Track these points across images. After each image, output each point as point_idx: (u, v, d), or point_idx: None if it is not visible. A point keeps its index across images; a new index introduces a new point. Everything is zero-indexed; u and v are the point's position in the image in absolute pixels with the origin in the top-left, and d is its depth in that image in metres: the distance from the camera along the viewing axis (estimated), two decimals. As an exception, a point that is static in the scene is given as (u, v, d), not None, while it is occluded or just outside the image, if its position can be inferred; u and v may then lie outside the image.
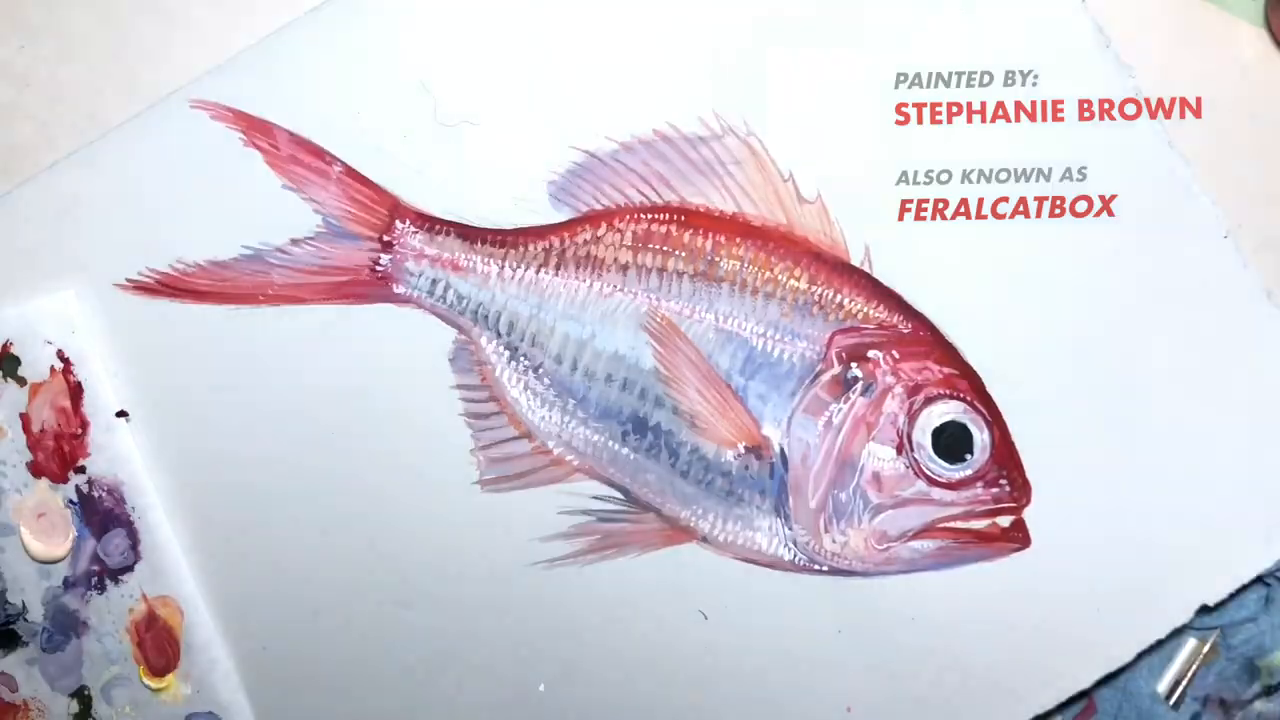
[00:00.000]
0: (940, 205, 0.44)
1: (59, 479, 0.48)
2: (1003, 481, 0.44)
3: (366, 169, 0.45)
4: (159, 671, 0.48)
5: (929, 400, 0.43)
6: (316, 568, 0.47)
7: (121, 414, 0.47)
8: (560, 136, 0.45)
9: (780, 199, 0.44)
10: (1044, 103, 0.43)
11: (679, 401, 0.45)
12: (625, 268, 0.45)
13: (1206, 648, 0.47)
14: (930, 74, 0.44)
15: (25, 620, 0.49)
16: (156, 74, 0.47)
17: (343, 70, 0.45)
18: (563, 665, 0.47)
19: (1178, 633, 0.45)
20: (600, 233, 0.45)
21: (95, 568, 0.48)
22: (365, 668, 0.48)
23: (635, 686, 0.47)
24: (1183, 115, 0.45)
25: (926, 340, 0.44)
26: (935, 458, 0.43)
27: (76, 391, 0.47)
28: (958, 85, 0.44)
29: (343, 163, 0.45)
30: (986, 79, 0.44)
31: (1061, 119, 0.43)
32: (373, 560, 0.47)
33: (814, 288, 0.44)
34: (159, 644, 0.48)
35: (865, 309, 0.44)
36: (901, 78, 0.44)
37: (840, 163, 0.44)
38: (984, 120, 0.44)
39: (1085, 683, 0.45)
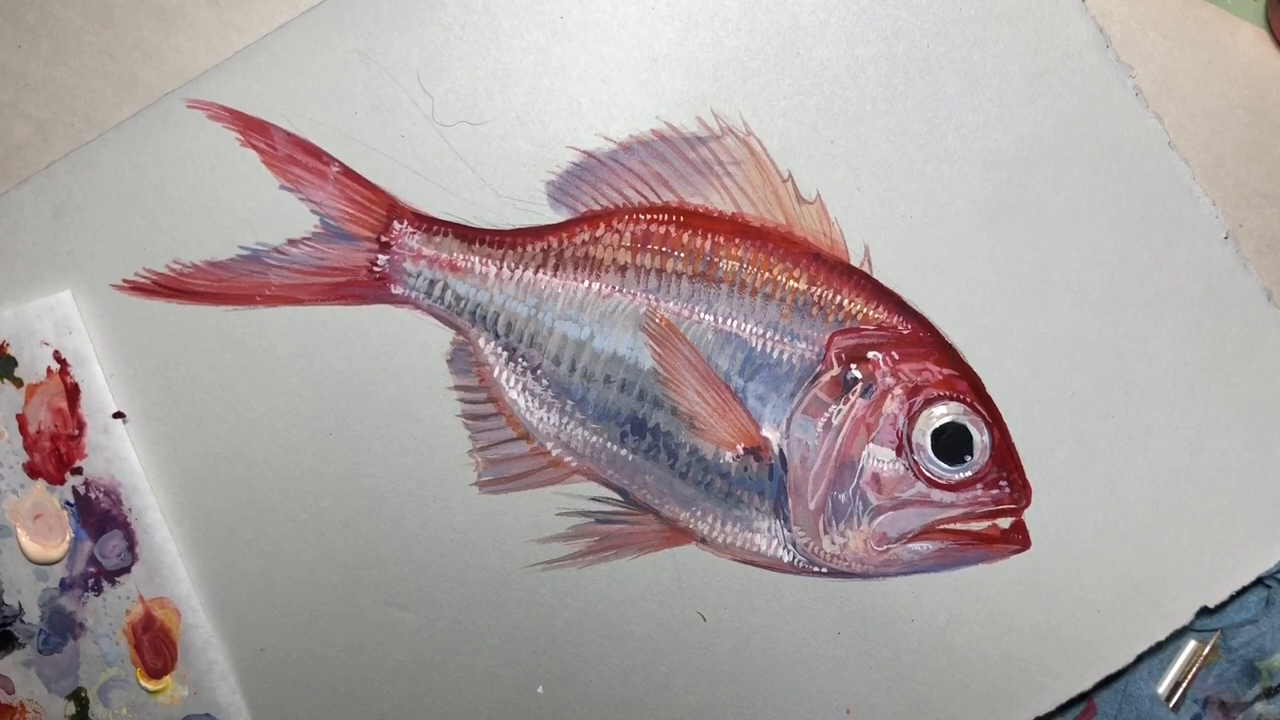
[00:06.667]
0: (940, 205, 0.44)
1: (56, 480, 0.48)
2: (1003, 483, 0.44)
3: (364, 169, 0.45)
4: (156, 673, 0.48)
5: (929, 401, 0.43)
6: (314, 569, 0.47)
7: (119, 415, 0.47)
8: (558, 137, 0.45)
9: (779, 199, 0.44)
10: (1044, 102, 0.43)
11: (678, 403, 0.45)
12: (624, 268, 0.45)
13: (1207, 649, 0.47)
14: (930, 73, 0.43)
15: (22, 622, 0.49)
16: (153, 74, 0.47)
17: (340, 70, 0.45)
18: (561, 667, 0.47)
19: (1178, 634, 0.45)
20: (599, 233, 0.45)
21: (92, 569, 0.48)
22: (363, 669, 0.48)
23: (633, 688, 0.47)
24: (1183, 115, 0.45)
25: (926, 341, 0.44)
26: (935, 459, 0.43)
27: (73, 392, 0.47)
28: (957, 85, 0.44)
29: (340, 163, 0.45)
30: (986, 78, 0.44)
31: (1062, 118, 0.43)
32: (370, 562, 0.47)
33: (813, 288, 0.44)
34: (156, 646, 0.48)
35: (865, 310, 0.44)
36: (901, 77, 0.44)
37: (840, 162, 0.44)
38: (984, 120, 0.44)
39: (1085, 685, 0.45)
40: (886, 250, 0.44)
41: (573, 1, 0.44)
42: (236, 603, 0.48)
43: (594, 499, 0.46)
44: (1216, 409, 0.44)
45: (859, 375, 0.44)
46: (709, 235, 0.44)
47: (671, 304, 0.44)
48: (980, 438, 0.43)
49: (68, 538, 0.48)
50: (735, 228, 0.44)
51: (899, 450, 0.44)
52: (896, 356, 0.44)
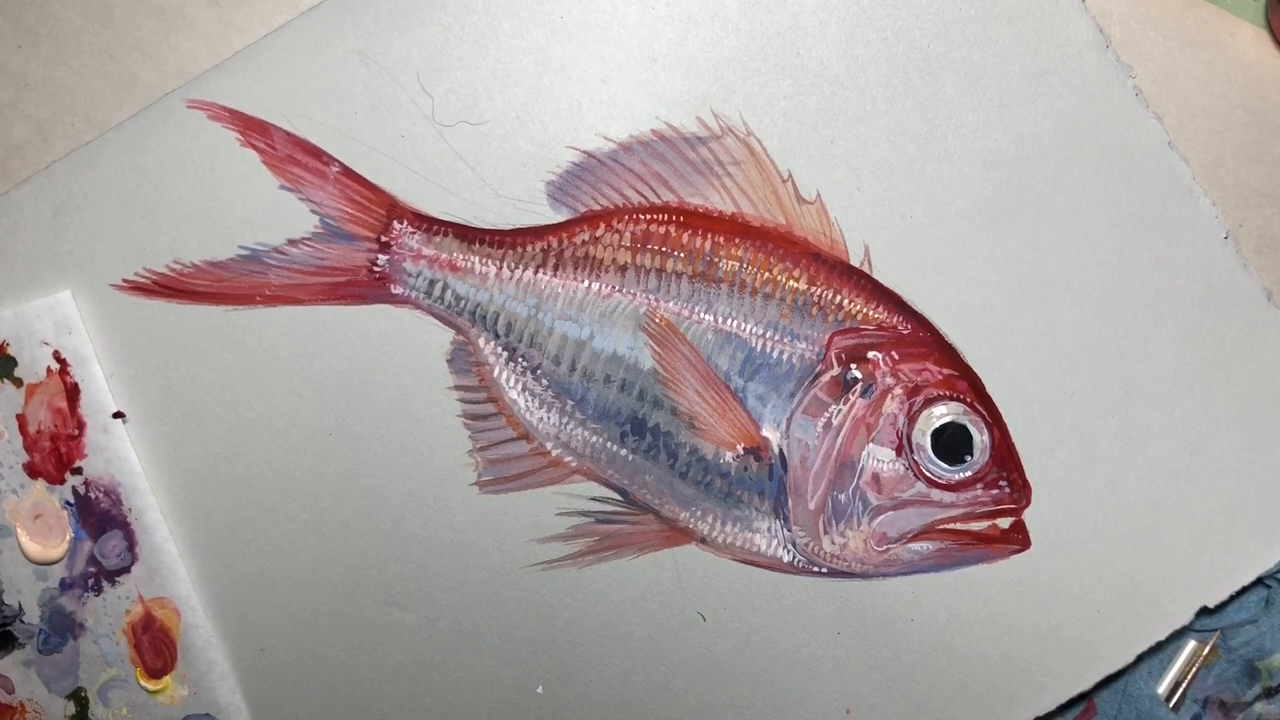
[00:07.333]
0: (940, 205, 0.44)
1: (55, 480, 0.48)
2: (1002, 483, 0.44)
3: (364, 169, 0.45)
4: (156, 673, 0.48)
5: (928, 401, 0.43)
6: (314, 569, 0.47)
7: (118, 415, 0.47)
8: (558, 137, 0.45)
9: (779, 199, 0.44)
10: (1044, 102, 0.43)
11: (678, 403, 0.45)
12: (624, 268, 0.45)
13: (1207, 649, 0.47)
14: (930, 73, 0.43)
15: (22, 622, 0.49)
16: (153, 74, 0.47)
17: (340, 70, 0.45)
18: (561, 667, 0.47)
19: (1178, 634, 0.45)
20: (599, 233, 0.45)
21: (92, 569, 0.48)
22: (363, 669, 0.48)
23: (633, 688, 0.47)
24: (1183, 115, 0.45)
25: (926, 341, 0.44)
26: (935, 459, 0.43)
27: (73, 392, 0.47)
28: (956, 85, 0.44)
29: (340, 163, 0.45)
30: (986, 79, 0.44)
31: (1062, 118, 0.43)
32: (370, 562, 0.47)
33: (813, 288, 0.44)
34: (156, 645, 0.48)
35: (865, 310, 0.44)
36: (901, 77, 0.44)
37: (840, 162, 0.44)
38: (984, 120, 0.44)
39: (1085, 685, 0.45)
40: (886, 250, 0.44)
41: (573, 1, 0.44)
42: (236, 603, 0.48)
43: (594, 499, 0.46)
44: (1216, 409, 0.44)
45: (859, 375, 0.44)
46: (709, 235, 0.44)
47: (671, 304, 0.44)
48: (980, 438, 0.43)
49: (68, 538, 0.48)
50: (735, 228, 0.44)
51: (899, 450, 0.44)
52: (896, 356, 0.44)
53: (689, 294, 0.44)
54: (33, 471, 0.48)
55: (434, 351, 0.46)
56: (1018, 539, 0.44)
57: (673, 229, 0.44)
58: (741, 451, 0.45)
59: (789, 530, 0.45)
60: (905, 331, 0.44)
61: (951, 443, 0.43)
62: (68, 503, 0.48)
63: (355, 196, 0.45)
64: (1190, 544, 0.44)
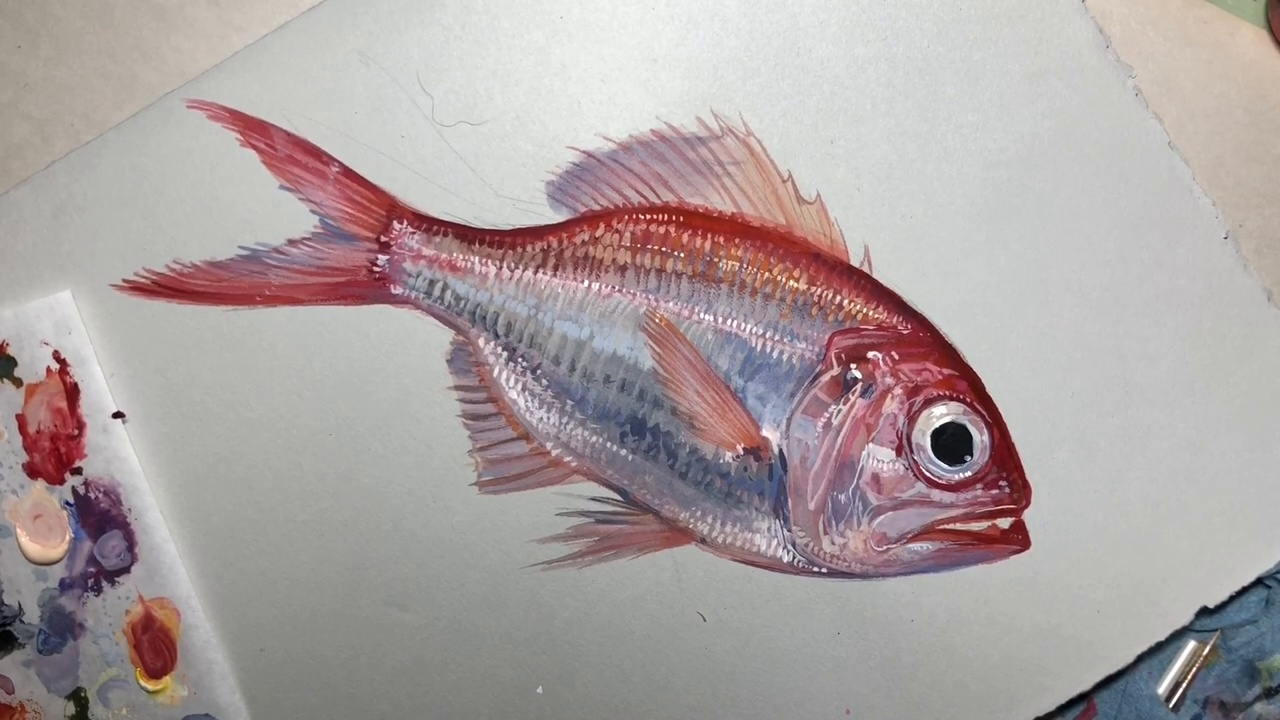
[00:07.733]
0: (940, 205, 0.44)
1: (55, 480, 0.48)
2: (1002, 483, 0.44)
3: (364, 169, 0.45)
4: (156, 673, 0.48)
5: (928, 401, 0.43)
6: (314, 569, 0.47)
7: (118, 415, 0.47)
8: (558, 137, 0.45)
9: (779, 199, 0.44)
10: (1044, 102, 0.43)
11: (677, 403, 0.45)
12: (624, 268, 0.45)
13: (1206, 650, 0.47)
14: (930, 73, 0.43)
15: (21, 622, 0.49)
16: (153, 74, 0.47)
17: (340, 70, 0.45)
18: (560, 667, 0.47)
19: (1178, 635, 0.45)
20: (598, 233, 0.45)
21: (92, 569, 0.48)
22: (362, 670, 0.48)
23: (633, 688, 0.47)
24: (1183, 115, 0.45)
25: (926, 341, 0.44)
26: (935, 459, 0.43)
27: (73, 392, 0.47)
28: (956, 85, 0.44)
29: (340, 163, 0.45)
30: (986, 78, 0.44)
31: (1062, 118, 0.43)
32: (370, 562, 0.47)
33: (813, 288, 0.44)
34: (156, 646, 0.48)
35: (865, 310, 0.44)
36: (901, 77, 0.44)
37: (840, 162, 0.44)
38: (984, 120, 0.44)
39: (1085, 685, 0.45)
40: (886, 250, 0.44)
41: (573, 1, 0.44)
42: (236, 603, 0.48)
43: (594, 499, 0.46)
44: (1216, 409, 0.44)
45: (859, 375, 0.44)
46: (709, 235, 0.44)
47: (671, 304, 0.44)
48: (980, 438, 0.43)
49: (67, 538, 0.48)
50: (735, 228, 0.44)
51: (899, 450, 0.44)
52: (896, 356, 0.44)
53: (689, 294, 0.44)
54: (32, 471, 0.48)
55: (434, 351, 0.46)
56: (1018, 539, 0.44)
57: (673, 229, 0.44)
58: (741, 451, 0.45)
59: (789, 530, 0.45)
60: (905, 331, 0.44)
61: (951, 443, 0.43)
62: (67, 503, 0.48)
63: (355, 196, 0.45)
64: (1190, 544, 0.44)
